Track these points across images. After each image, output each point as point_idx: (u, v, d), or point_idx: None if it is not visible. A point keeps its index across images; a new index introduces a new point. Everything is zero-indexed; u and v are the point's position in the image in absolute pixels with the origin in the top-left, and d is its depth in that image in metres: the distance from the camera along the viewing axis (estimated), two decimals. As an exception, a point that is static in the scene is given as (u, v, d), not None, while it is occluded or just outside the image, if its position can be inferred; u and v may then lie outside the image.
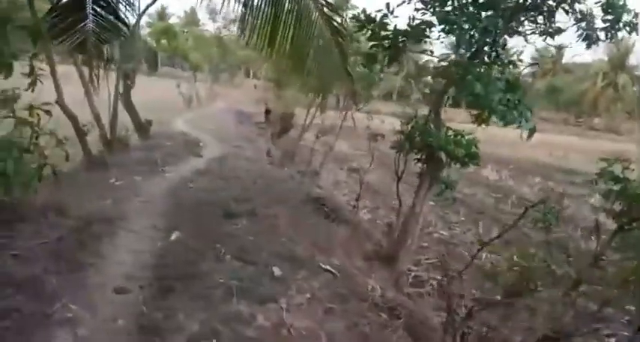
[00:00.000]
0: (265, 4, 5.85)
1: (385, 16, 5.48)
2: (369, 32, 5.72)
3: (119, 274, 4.13)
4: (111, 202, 6.27)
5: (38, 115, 5.34)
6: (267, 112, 18.81)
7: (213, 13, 39.58)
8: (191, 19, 52.27)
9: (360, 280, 5.17)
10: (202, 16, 48.52)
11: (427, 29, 5.76)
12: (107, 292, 3.80)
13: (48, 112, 5.32)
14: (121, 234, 5.13)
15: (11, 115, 5.18)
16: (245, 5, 5.68)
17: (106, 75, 9.96)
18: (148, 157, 9.46)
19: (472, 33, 5.30)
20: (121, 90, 11.21)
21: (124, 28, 8.83)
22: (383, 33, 5.69)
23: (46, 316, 3.29)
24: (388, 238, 6.86)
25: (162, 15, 52.96)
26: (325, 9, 6.51)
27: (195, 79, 30.13)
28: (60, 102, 7.89)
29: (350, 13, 10.16)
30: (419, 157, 6.67)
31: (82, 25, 8.26)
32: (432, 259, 7.56)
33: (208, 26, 45.34)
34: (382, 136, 7.43)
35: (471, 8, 5.28)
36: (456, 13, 5.32)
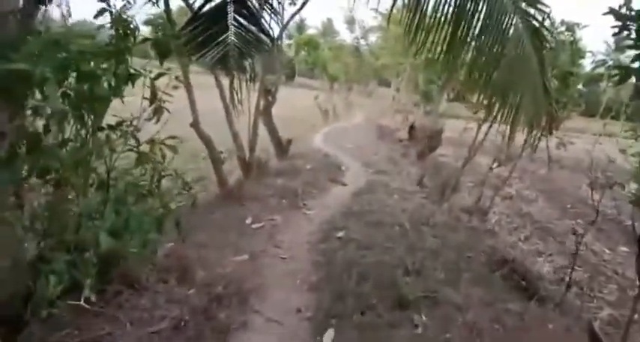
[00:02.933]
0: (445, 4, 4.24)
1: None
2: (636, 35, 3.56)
3: None
4: (246, 259, 4.95)
5: (161, 150, 4.11)
6: (412, 128, 16.85)
7: (351, 23, 39.03)
8: (329, 29, 52.55)
9: None
10: (339, 26, 48.37)
11: None
12: None
13: (173, 148, 4.07)
14: (255, 324, 3.67)
15: (134, 149, 4.01)
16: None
17: (247, 91, 9.02)
18: (287, 187, 8.19)
19: None
20: (261, 106, 10.24)
21: (268, 41, 7.81)
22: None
23: None
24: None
25: (301, 27, 53.85)
26: (523, 3, 4.72)
27: (332, 90, 29.35)
28: (195, 125, 6.95)
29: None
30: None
31: (223, 37, 7.33)
32: None
33: (345, 36, 44.90)
34: (620, 185, 5.05)
35: None
36: None
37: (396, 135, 18.43)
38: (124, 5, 3.53)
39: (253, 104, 9.09)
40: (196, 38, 7.10)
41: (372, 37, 37.40)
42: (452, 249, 5.78)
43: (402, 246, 5.48)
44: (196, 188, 7.57)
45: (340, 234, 5.82)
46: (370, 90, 43.32)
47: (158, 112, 4.07)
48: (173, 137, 4.15)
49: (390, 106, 27.72)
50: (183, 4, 9.19)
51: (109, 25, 3.65)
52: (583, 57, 10.56)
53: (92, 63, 3.37)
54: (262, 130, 10.20)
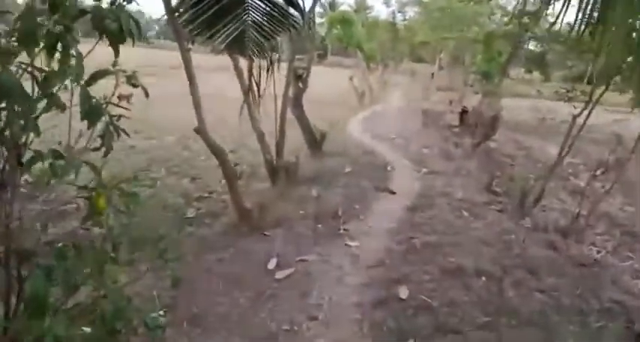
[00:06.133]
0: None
1: None
2: None
3: None
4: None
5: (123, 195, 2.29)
6: (465, 112, 14.64)
7: (388, -3, 36.12)
8: (361, 5, 49.50)
9: None
10: (372, 1, 45.45)
11: None
12: None
13: (133, 197, 2.24)
14: None
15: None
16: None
17: (271, 76, 7.20)
18: (323, 202, 6.40)
19: None
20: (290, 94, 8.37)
21: (297, 15, 6.12)
22: None
23: None
24: None
25: (332, 3, 50.73)
26: None
27: (369, 70, 26.97)
28: (202, 131, 5.18)
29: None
30: None
31: (236, 13, 5.63)
32: None
33: (379, 11, 42.05)
34: None
35: None
36: None
37: (444, 120, 16.23)
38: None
39: (279, 92, 7.24)
40: (202, 15, 5.41)
41: (410, 12, 34.54)
42: (572, 315, 3.87)
43: (502, 320, 3.60)
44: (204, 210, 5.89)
45: (403, 293, 3.97)
46: (405, 68, 40.70)
47: (107, 138, 2.22)
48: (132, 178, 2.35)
49: (430, 86, 25.28)
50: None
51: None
52: None
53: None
54: (290, 122, 8.37)
